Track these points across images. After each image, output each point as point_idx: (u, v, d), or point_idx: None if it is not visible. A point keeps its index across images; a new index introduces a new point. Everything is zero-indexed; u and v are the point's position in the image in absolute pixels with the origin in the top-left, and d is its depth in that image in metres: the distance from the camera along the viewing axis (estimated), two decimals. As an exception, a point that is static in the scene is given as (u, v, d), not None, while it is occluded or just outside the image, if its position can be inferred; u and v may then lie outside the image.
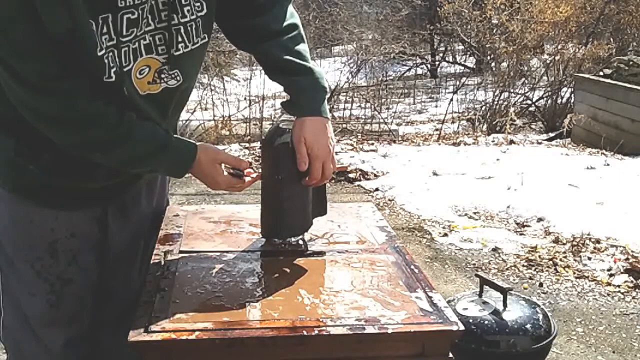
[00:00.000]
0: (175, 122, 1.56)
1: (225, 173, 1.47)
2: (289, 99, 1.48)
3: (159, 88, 1.35)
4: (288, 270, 1.44)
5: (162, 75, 1.33)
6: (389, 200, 4.82)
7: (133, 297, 1.56)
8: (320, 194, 1.59)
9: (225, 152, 1.52)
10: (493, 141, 6.93)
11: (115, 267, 1.56)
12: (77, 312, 1.51)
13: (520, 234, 4.06)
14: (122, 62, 1.26)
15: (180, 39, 1.32)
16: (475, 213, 4.44)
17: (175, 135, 1.42)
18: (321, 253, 1.54)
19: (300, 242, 1.58)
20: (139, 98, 1.33)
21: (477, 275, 2.16)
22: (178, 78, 1.36)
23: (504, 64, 9.77)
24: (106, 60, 1.22)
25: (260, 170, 1.54)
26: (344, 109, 8.91)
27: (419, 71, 13.60)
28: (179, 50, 1.32)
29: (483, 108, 9.21)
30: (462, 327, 1.22)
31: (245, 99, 7.86)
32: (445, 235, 4.08)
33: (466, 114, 9.43)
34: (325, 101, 1.48)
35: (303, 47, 1.48)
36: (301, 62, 1.45)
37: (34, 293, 1.46)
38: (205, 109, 7.83)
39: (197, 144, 1.43)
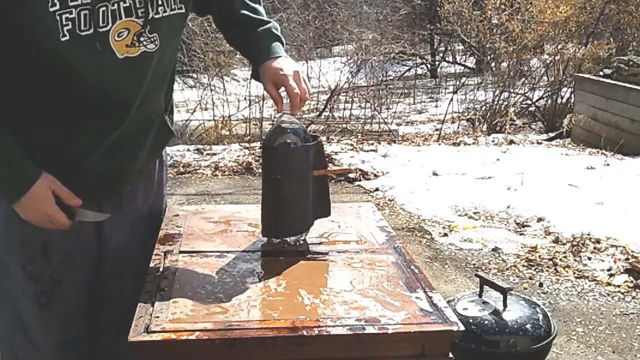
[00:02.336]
0: (160, 102, 1.52)
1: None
2: (249, 57, 1.57)
3: (138, 51, 1.34)
4: (288, 270, 1.44)
5: (142, 39, 1.33)
6: (389, 200, 4.82)
7: (132, 297, 1.56)
8: (322, 195, 1.59)
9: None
10: (493, 141, 6.94)
11: (112, 267, 1.54)
12: (70, 313, 1.49)
13: (520, 234, 4.06)
14: (100, 22, 1.25)
15: (160, 2, 1.33)
16: (475, 213, 4.44)
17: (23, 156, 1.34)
18: (321, 253, 1.54)
19: (301, 241, 1.58)
20: (115, 62, 1.31)
21: (477, 275, 2.16)
22: (156, 42, 1.36)
23: (504, 64, 9.77)
24: (58, 18, 1.21)
25: (260, 171, 1.54)
26: (344, 109, 8.90)
27: (419, 71, 13.58)
28: (158, 14, 1.33)
29: (483, 108, 9.20)
30: (462, 327, 1.22)
31: (245, 99, 7.86)
32: (445, 235, 4.08)
33: (466, 114, 9.43)
34: (283, 48, 1.56)
35: (258, 6, 1.60)
36: (257, 16, 1.56)
37: (25, 294, 1.45)
38: (205, 109, 7.82)
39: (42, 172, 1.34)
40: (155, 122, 1.51)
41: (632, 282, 3.37)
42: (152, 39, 1.35)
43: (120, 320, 1.51)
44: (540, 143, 7.13)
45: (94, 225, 1.49)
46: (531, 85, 9.58)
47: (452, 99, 9.02)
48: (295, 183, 1.48)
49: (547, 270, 3.54)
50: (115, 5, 1.27)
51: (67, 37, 1.23)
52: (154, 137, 1.52)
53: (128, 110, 1.38)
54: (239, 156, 6.01)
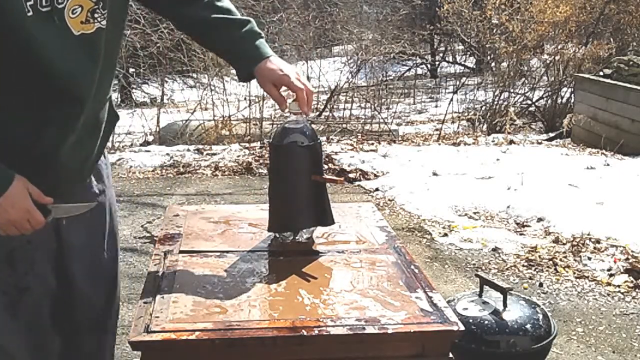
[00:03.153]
0: (109, 89, 1.48)
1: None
2: (235, 60, 1.54)
3: (93, 28, 1.33)
4: (288, 270, 1.44)
5: (96, 15, 1.32)
6: (389, 200, 4.82)
7: (104, 297, 1.54)
8: (322, 204, 1.59)
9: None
10: (493, 141, 6.94)
11: (77, 268, 1.52)
12: (37, 320, 1.47)
13: (520, 234, 4.06)
14: None
15: None
16: (475, 213, 4.44)
17: None
18: (321, 253, 1.54)
19: (303, 240, 1.58)
20: (73, 38, 1.30)
21: (477, 275, 2.16)
22: (107, 19, 1.35)
23: (504, 64, 9.77)
24: None
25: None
26: (344, 109, 8.90)
27: (419, 71, 13.60)
28: None
29: (483, 108, 9.21)
30: (462, 327, 1.22)
31: (245, 99, 7.85)
32: (445, 235, 4.08)
33: (466, 114, 9.43)
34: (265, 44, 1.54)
35: (227, 3, 1.56)
36: (233, 17, 1.53)
37: None
38: (205, 109, 7.83)
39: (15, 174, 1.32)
40: (106, 108, 1.49)
41: (632, 282, 3.37)
42: (104, 16, 1.34)
43: (96, 320, 1.51)
44: (540, 143, 7.13)
45: (52, 228, 1.45)
46: (531, 85, 9.58)
47: (452, 99, 9.02)
48: (298, 181, 1.52)
49: (547, 270, 3.54)
50: None
51: (31, 13, 1.23)
52: (106, 123, 1.49)
53: (87, 94, 1.36)
54: (239, 156, 6.01)
